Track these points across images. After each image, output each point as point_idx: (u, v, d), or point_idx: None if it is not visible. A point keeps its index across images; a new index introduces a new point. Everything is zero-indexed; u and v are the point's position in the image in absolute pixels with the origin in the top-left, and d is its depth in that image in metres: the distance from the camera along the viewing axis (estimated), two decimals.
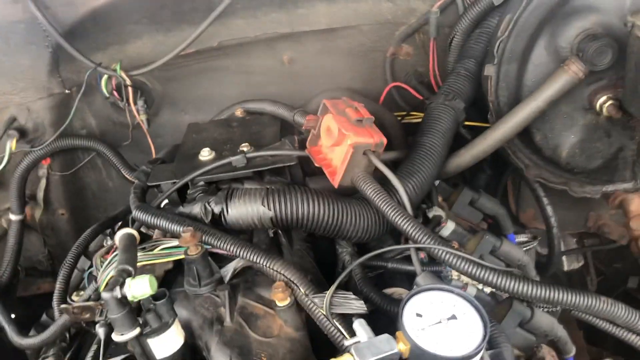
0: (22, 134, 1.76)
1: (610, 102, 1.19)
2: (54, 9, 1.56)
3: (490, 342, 1.07)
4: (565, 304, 1.03)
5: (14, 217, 1.83)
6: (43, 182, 1.90)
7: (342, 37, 1.77)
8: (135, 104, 1.76)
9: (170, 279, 1.14)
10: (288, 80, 1.84)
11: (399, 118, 1.76)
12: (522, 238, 1.74)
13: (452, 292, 0.98)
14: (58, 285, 1.47)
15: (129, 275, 0.98)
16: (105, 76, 1.70)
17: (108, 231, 1.59)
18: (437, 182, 1.55)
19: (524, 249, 1.62)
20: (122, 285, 0.94)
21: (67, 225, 2.02)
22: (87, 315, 1.09)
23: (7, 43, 1.60)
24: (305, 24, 1.73)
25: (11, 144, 1.72)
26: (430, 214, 1.42)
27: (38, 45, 1.61)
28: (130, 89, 1.71)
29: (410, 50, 1.77)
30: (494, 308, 1.24)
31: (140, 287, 0.93)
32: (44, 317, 1.55)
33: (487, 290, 1.29)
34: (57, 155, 1.86)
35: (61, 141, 1.78)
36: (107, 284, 1.05)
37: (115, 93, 1.74)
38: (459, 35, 1.50)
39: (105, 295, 0.94)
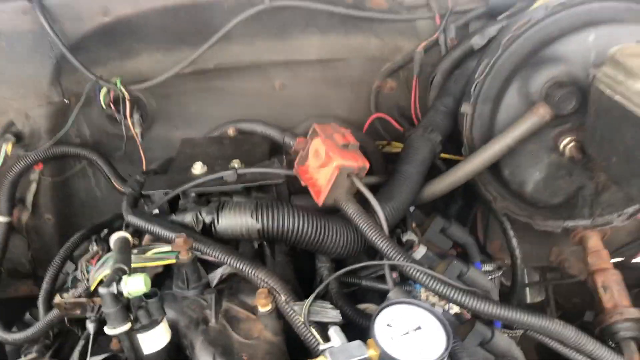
0: (18, 138, 1.82)
1: (572, 143, 1.32)
2: (62, 22, 1.64)
3: (452, 357, 1.16)
4: (522, 324, 1.13)
5: (1, 219, 1.87)
6: (33, 187, 1.95)
7: (332, 68, 1.88)
8: (131, 117, 1.84)
9: (159, 282, 1.21)
10: (278, 104, 1.94)
11: (380, 147, 1.86)
12: (488, 267, 1.86)
13: (420, 306, 1.07)
14: (45, 285, 1.53)
15: (125, 273, 1.05)
16: (105, 89, 1.77)
17: (94, 237, 1.65)
18: (412, 209, 1.67)
19: (489, 277, 1.73)
20: (118, 282, 1.02)
21: (52, 230, 2.06)
22: (78, 311, 1.16)
23: (13, 51, 1.67)
24: (299, 54, 1.84)
25: (7, 148, 1.78)
26: (404, 238, 1.52)
27: (43, 55, 1.69)
28: (128, 103, 1.79)
29: (394, 85, 1.88)
30: (458, 328, 1.33)
31: (135, 285, 1.01)
32: (27, 316, 1.60)
33: (453, 311, 1.38)
34: (49, 161, 1.92)
35: (56, 148, 1.84)
36: (99, 282, 1.13)
37: (111, 105, 1.82)
38: (440, 75, 1.63)
39: (102, 290, 1.01)
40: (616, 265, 1.69)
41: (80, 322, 1.34)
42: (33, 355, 1.36)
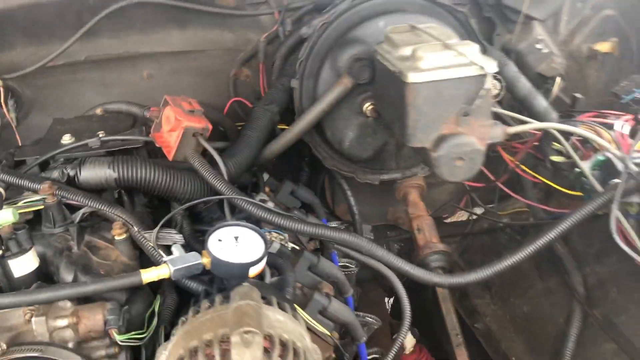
0: None
1: (371, 106, 1.68)
2: None
3: (280, 271, 1.46)
4: (326, 237, 1.45)
5: None
6: None
7: (193, 59, 2.15)
8: (5, 104, 2.01)
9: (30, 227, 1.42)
10: (147, 92, 2.17)
11: (238, 126, 2.16)
12: (334, 224, 2.19)
13: (244, 226, 1.37)
14: None
15: None
16: None
17: None
18: (266, 177, 1.97)
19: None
20: None
21: None
22: None
23: None
24: (163, 46, 2.11)
25: None
26: (257, 199, 1.82)
27: None
28: (2, 90, 1.96)
29: (249, 73, 2.19)
30: (292, 258, 1.64)
31: (4, 216, 1.22)
32: None
33: (290, 246, 1.69)
34: None
35: None
36: None
37: None
38: (279, 60, 1.96)
39: None
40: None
41: None
42: None
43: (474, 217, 2.47)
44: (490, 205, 2.30)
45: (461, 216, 2.66)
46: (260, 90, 2.17)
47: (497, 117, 1.67)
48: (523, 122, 1.55)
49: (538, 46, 2.02)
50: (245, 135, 1.72)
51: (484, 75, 1.31)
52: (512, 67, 1.89)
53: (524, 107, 1.89)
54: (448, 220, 2.63)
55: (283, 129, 1.85)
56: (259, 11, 2.01)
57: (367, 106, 1.69)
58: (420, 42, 1.40)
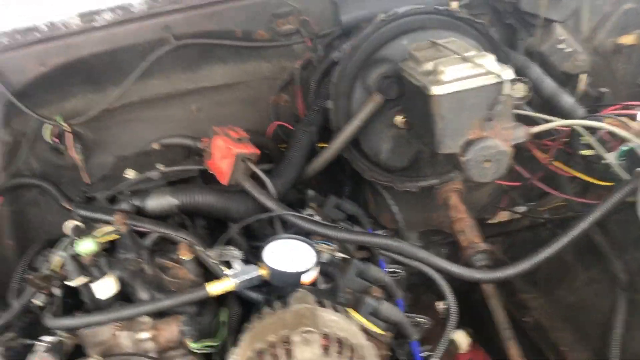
0: None
1: (403, 119, 1.81)
2: (7, 75, 2.01)
3: (331, 278, 1.59)
4: (369, 243, 1.58)
5: None
6: None
7: (235, 90, 2.32)
8: (73, 148, 2.22)
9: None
10: (197, 125, 2.34)
11: (281, 148, 2.31)
12: (379, 232, 2.30)
13: (295, 238, 1.51)
14: (13, 285, 1.88)
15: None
16: (48, 126, 2.16)
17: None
18: (312, 194, 2.11)
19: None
20: (73, 245, 1.41)
21: (14, 255, 2.38)
22: (45, 284, 1.53)
23: None
24: (207, 81, 2.28)
25: None
26: (304, 214, 1.96)
27: None
28: (69, 135, 2.17)
29: (287, 98, 2.34)
30: (341, 266, 1.77)
31: (86, 245, 1.40)
32: None
33: (339, 256, 1.82)
34: (7, 193, 2.26)
35: (10, 181, 2.19)
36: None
37: (56, 140, 2.20)
38: (313, 83, 2.10)
39: (63, 253, 1.40)
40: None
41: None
42: (12, 334, 1.69)
43: (516, 216, 2.53)
44: (532, 203, 2.37)
45: (503, 216, 2.73)
46: (298, 113, 2.32)
47: (526, 118, 1.77)
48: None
49: (560, 46, 2.09)
50: (288, 156, 1.88)
51: (501, 83, 1.42)
52: (536, 68, 1.98)
53: (551, 106, 1.97)
54: (490, 222, 2.70)
55: (322, 147, 1.99)
56: (291, 40, 2.16)
57: (398, 119, 1.81)
58: (440, 57, 1.52)
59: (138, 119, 2.32)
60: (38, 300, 1.71)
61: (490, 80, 1.43)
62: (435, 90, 1.43)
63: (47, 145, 2.23)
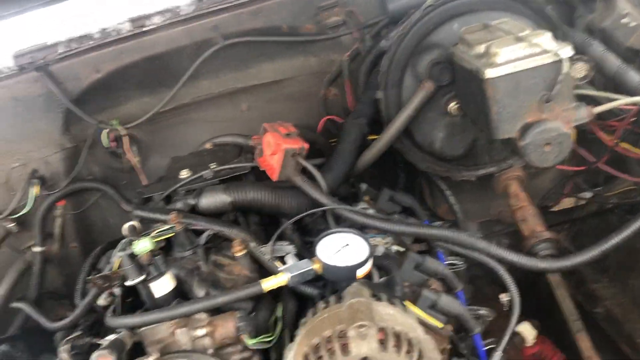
0: (43, 181, 2.24)
1: (456, 106, 1.74)
2: (65, 83, 2.09)
3: (387, 271, 1.55)
4: (429, 236, 1.53)
5: (37, 249, 2.28)
6: (59, 221, 2.37)
7: (284, 86, 2.32)
8: (130, 150, 2.28)
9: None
10: (247, 123, 2.36)
11: (332, 142, 2.29)
12: (436, 223, 2.24)
13: (348, 232, 1.48)
14: (78, 286, 1.94)
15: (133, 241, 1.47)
16: (105, 131, 2.22)
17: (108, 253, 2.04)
18: (364, 187, 2.07)
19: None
20: (130, 245, 1.44)
21: (79, 257, 2.47)
22: (107, 285, 1.56)
23: (29, 112, 2.12)
24: (256, 79, 2.29)
25: (34, 191, 2.21)
26: (358, 208, 1.93)
27: (53, 111, 2.13)
28: (125, 138, 2.23)
29: (336, 91, 2.32)
30: (397, 259, 1.73)
31: (143, 245, 1.42)
32: None
33: (394, 249, 1.78)
34: (69, 197, 2.34)
35: (73, 185, 2.27)
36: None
37: (113, 144, 2.26)
38: (362, 75, 2.07)
39: (120, 253, 1.43)
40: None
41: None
42: (78, 332, 1.74)
43: (581, 202, 2.41)
44: (598, 189, 2.25)
45: (568, 203, 2.61)
46: (348, 105, 2.29)
47: (588, 98, 1.67)
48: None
49: (624, 20, 1.96)
50: (339, 150, 1.85)
51: (559, 62, 1.34)
52: (598, 46, 1.87)
53: (616, 85, 1.85)
54: (554, 209, 2.59)
55: (373, 139, 1.96)
56: (338, 33, 2.13)
57: (452, 106, 1.75)
58: (493, 38, 1.45)
59: (190, 120, 2.36)
60: (102, 300, 1.76)
61: (547, 59, 1.35)
62: (489, 73, 1.37)
63: (105, 150, 2.30)
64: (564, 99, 1.39)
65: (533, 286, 2.48)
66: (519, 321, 2.19)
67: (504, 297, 2.46)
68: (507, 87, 1.38)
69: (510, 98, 1.39)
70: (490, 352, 1.69)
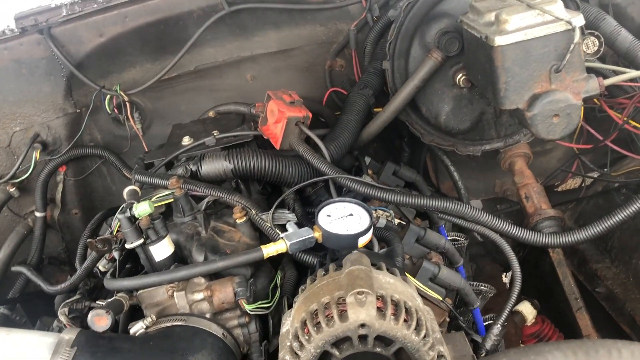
0: (44, 146, 2.23)
1: (464, 77, 1.71)
2: (68, 46, 2.06)
3: (388, 243, 1.54)
4: (431, 207, 1.51)
5: (38, 214, 2.28)
6: (60, 187, 2.37)
7: (290, 56, 2.28)
8: (132, 117, 2.26)
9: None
10: (252, 93, 2.34)
11: (337, 115, 2.26)
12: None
13: (349, 201, 1.46)
14: (79, 251, 1.94)
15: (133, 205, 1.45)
16: (108, 96, 2.19)
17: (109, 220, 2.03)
18: (368, 161, 2.05)
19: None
20: (130, 208, 1.42)
21: (80, 223, 2.47)
22: (106, 248, 1.55)
23: (32, 75, 2.10)
24: (261, 48, 2.25)
25: (36, 155, 2.20)
26: None
27: (56, 75, 2.11)
28: (128, 105, 2.21)
29: (343, 62, 2.28)
30: (398, 232, 1.71)
31: (143, 207, 1.41)
32: None
33: (397, 221, 1.76)
34: (71, 163, 2.33)
35: (74, 151, 2.26)
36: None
37: (115, 110, 2.24)
38: (370, 45, 2.03)
39: (119, 216, 1.41)
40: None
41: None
42: (77, 296, 1.75)
43: (587, 183, 2.39)
44: (605, 170, 2.22)
45: (574, 183, 2.58)
46: (355, 78, 2.26)
47: (597, 73, 1.63)
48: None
49: None
50: (343, 120, 1.82)
51: (571, 30, 1.30)
52: (611, 21, 1.82)
53: (628, 61, 1.81)
54: (559, 189, 2.56)
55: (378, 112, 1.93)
56: (346, 1, 2.09)
57: (460, 77, 1.72)
58: (504, 6, 1.41)
59: (194, 88, 2.33)
60: (101, 266, 1.76)
61: (559, 27, 1.32)
62: (499, 40, 1.33)
63: (107, 116, 2.28)
64: (574, 69, 1.35)
65: (535, 267, 2.47)
66: (519, 300, 2.19)
67: (506, 278, 2.46)
68: (516, 56, 1.34)
69: (519, 67, 1.35)
70: (489, 327, 1.68)
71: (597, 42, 1.74)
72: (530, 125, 1.39)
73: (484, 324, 1.73)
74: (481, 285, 1.83)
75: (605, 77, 1.58)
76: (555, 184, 2.41)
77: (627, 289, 1.92)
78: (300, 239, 1.37)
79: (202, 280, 1.36)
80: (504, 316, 1.60)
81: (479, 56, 1.46)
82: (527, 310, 2.20)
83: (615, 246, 2.07)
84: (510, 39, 1.33)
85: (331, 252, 1.45)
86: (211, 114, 2.15)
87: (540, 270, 2.47)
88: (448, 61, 1.72)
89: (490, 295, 1.83)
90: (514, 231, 1.58)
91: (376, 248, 1.48)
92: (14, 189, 2.25)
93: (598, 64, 1.58)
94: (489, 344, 1.56)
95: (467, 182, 2.24)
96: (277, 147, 1.69)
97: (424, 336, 1.12)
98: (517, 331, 2.21)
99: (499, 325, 1.58)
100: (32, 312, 2.09)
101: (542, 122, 1.37)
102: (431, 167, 2.34)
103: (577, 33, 1.30)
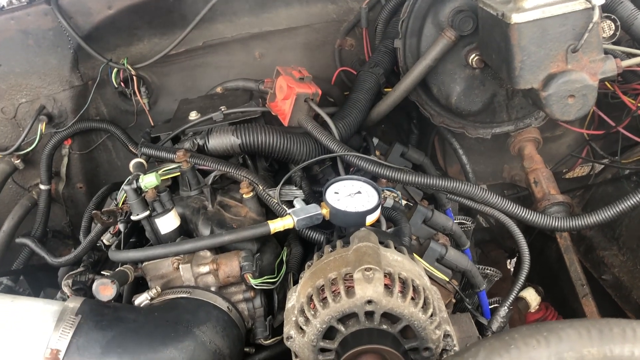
0: (50, 119, 2.21)
1: (477, 57, 1.68)
2: (76, 18, 2.03)
3: (395, 223, 1.53)
4: (438, 187, 1.49)
5: (43, 187, 2.27)
6: (65, 160, 2.35)
7: (299, 34, 2.25)
8: (139, 91, 2.24)
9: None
10: (260, 71, 2.31)
11: (346, 95, 2.23)
12: None
13: (358, 179, 1.45)
14: (84, 224, 1.93)
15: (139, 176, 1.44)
16: (115, 70, 2.17)
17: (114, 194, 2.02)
18: (376, 141, 2.03)
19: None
20: (137, 180, 1.41)
21: (84, 197, 2.46)
22: (111, 220, 1.54)
23: (39, 46, 2.07)
24: (271, 25, 2.22)
25: (41, 127, 2.18)
26: None
27: (63, 47, 2.08)
28: (135, 79, 2.19)
29: (353, 42, 2.26)
30: (406, 213, 1.70)
31: (149, 179, 1.40)
32: None
33: (404, 202, 1.74)
34: (76, 137, 2.31)
35: (80, 124, 2.24)
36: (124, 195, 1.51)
37: (122, 84, 2.22)
38: (380, 23, 2.00)
39: (125, 187, 1.40)
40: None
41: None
42: (81, 269, 1.74)
43: (596, 170, 2.37)
44: (615, 158, 2.20)
45: (582, 171, 2.56)
46: (365, 57, 2.23)
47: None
48: None
49: None
50: (352, 98, 1.80)
51: (590, 9, 1.27)
52: (628, 4, 1.79)
53: None
54: (567, 176, 2.54)
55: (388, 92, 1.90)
56: None
57: (473, 57, 1.69)
58: None
59: (202, 64, 2.31)
60: (105, 239, 1.75)
61: (577, 6, 1.29)
62: (516, 17, 1.30)
63: (114, 90, 2.26)
64: (592, 50, 1.33)
65: (540, 254, 2.46)
66: (524, 287, 2.18)
67: (510, 263, 2.44)
68: (533, 34, 1.32)
69: (535, 46, 1.33)
70: (495, 310, 1.67)
71: (613, 26, 1.71)
72: (544, 106, 1.36)
73: (490, 307, 1.72)
74: (487, 269, 1.82)
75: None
76: (564, 170, 2.39)
77: (634, 277, 1.91)
78: (307, 215, 1.35)
79: (208, 253, 1.35)
80: (512, 298, 1.59)
81: (494, 35, 1.43)
82: (531, 296, 2.19)
83: (623, 234, 2.05)
84: (528, 17, 1.30)
85: (338, 229, 1.43)
86: (219, 89, 2.13)
87: (545, 257, 2.46)
88: (461, 41, 1.69)
89: (496, 279, 1.82)
90: (522, 213, 1.56)
91: (384, 227, 1.46)
92: (19, 161, 2.24)
93: (613, 46, 1.54)
94: (495, 326, 1.55)
95: (475, 167, 2.22)
96: (286, 123, 1.67)
97: (431, 315, 1.11)
98: (520, 317, 2.20)
99: (505, 307, 1.58)
100: (36, 284, 2.09)
101: (557, 103, 1.35)
102: (439, 151, 2.32)
103: (597, 12, 1.28)
